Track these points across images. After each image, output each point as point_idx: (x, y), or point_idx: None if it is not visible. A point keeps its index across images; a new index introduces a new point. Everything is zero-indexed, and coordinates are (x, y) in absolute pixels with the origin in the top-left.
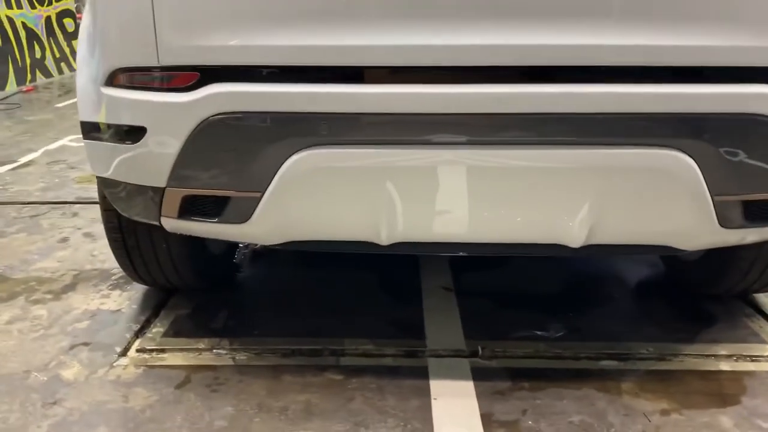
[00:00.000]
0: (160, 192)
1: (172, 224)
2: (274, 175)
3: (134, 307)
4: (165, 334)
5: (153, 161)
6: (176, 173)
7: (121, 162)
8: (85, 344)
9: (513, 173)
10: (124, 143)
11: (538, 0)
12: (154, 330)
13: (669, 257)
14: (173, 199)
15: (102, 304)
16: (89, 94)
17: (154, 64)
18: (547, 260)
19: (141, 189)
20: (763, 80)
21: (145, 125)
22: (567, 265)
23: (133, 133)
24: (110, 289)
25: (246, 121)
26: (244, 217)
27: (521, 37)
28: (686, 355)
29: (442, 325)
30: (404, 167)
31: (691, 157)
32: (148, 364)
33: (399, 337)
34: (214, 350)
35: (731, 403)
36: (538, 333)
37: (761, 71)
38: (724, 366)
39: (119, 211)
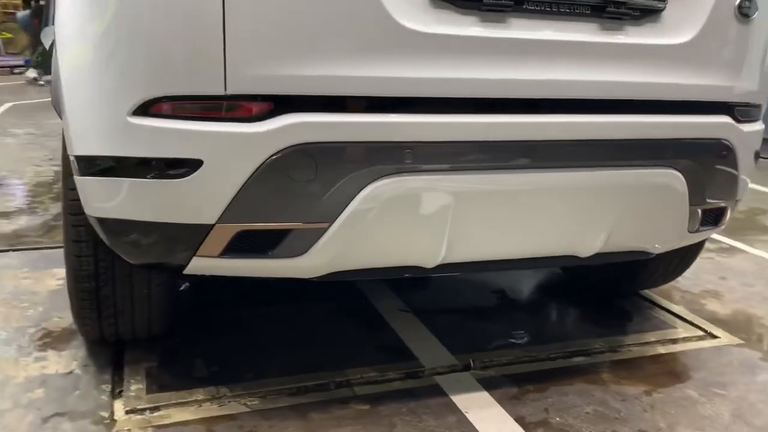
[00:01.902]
0: (205, 230)
1: (204, 264)
2: (346, 205)
3: (87, 366)
4: (149, 391)
5: (205, 197)
6: (234, 208)
7: (155, 200)
8: (60, 414)
9: (556, 193)
10: (164, 179)
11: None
12: (132, 388)
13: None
14: (222, 236)
15: (44, 368)
16: (100, 125)
17: (219, 93)
18: (471, 276)
19: (177, 228)
20: (725, 113)
21: (201, 158)
22: (489, 279)
23: (181, 168)
24: (41, 350)
25: (323, 151)
26: (301, 250)
27: (572, 73)
28: (629, 345)
29: (424, 345)
30: (474, 191)
31: (681, 174)
32: (154, 424)
33: (393, 361)
34: (217, 400)
35: (687, 379)
36: (510, 341)
37: (724, 105)
38: (661, 350)
39: (124, 256)
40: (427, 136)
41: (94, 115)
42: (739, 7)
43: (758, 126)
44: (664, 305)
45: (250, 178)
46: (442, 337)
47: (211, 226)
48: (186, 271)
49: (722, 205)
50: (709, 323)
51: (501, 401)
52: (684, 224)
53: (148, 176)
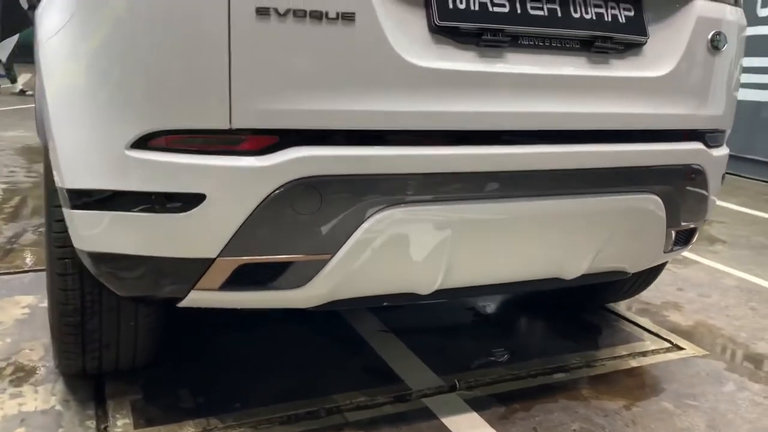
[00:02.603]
0: (206, 264)
1: (202, 297)
2: (349, 237)
3: (68, 402)
4: (137, 426)
5: (207, 231)
6: (237, 242)
7: (154, 234)
8: None
9: (549, 220)
10: (164, 213)
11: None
12: (119, 423)
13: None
14: (223, 269)
15: (21, 405)
16: (95, 158)
17: (224, 127)
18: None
19: (176, 262)
20: (697, 139)
21: (204, 192)
22: (461, 300)
23: (183, 202)
24: (15, 386)
25: (328, 184)
26: (302, 281)
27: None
28: (604, 359)
29: (408, 366)
30: (472, 220)
31: (660, 198)
32: None
33: (380, 384)
34: None
35: (660, 391)
36: (491, 359)
37: (696, 133)
38: (634, 363)
39: (117, 290)
40: (428, 168)
41: (88, 147)
42: (711, 40)
43: (725, 150)
44: (629, 318)
45: (254, 211)
46: (424, 358)
47: (212, 260)
48: (182, 305)
49: (693, 226)
50: (673, 335)
51: (491, 422)
52: (660, 245)
53: (147, 210)
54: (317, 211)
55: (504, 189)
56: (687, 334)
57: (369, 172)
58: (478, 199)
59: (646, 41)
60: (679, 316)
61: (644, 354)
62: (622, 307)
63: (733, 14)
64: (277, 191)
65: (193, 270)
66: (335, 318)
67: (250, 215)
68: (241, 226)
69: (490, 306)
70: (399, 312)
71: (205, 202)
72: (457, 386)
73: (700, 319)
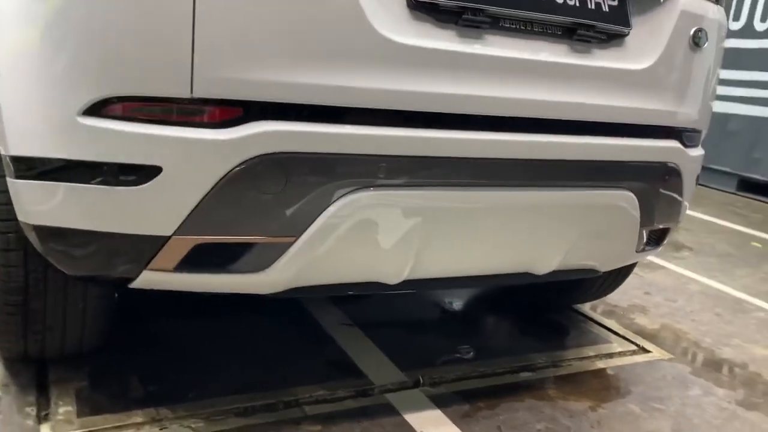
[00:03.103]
0: (160, 242)
1: (155, 279)
2: (315, 219)
3: (7, 386)
4: (80, 414)
5: (162, 206)
6: (194, 219)
7: (105, 208)
8: None
9: (522, 212)
10: (117, 186)
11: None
12: (61, 410)
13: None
14: (178, 249)
15: None
16: (45, 123)
17: (184, 95)
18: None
19: (128, 239)
20: (675, 138)
21: (161, 165)
22: (428, 293)
23: (138, 174)
24: None
25: (294, 162)
26: (263, 265)
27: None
28: (571, 359)
29: (373, 361)
30: (443, 208)
31: (635, 196)
32: None
33: (342, 378)
34: (158, 422)
35: (627, 393)
36: (457, 356)
37: (674, 131)
38: (600, 364)
39: (63, 267)
40: (400, 150)
41: (37, 111)
42: (693, 37)
43: (700, 151)
44: (597, 319)
45: (213, 188)
46: (389, 353)
47: (167, 238)
48: (133, 285)
49: (667, 226)
50: (640, 338)
51: (454, 419)
52: (633, 245)
53: (99, 182)
54: (281, 191)
55: (477, 177)
56: (653, 338)
57: (338, 151)
58: (450, 186)
59: (629, 32)
60: (646, 319)
61: (610, 356)
62: (588, 308)
63: (716, 13)
64: (239, 167)
65: (147, 248)
66: (298, 310)
67: (209, 192)
68: (198, 204)
69: (456, 302)
70: (364, 305)
71: (161, 176)
72: (421, 382)
73: (666, 323)
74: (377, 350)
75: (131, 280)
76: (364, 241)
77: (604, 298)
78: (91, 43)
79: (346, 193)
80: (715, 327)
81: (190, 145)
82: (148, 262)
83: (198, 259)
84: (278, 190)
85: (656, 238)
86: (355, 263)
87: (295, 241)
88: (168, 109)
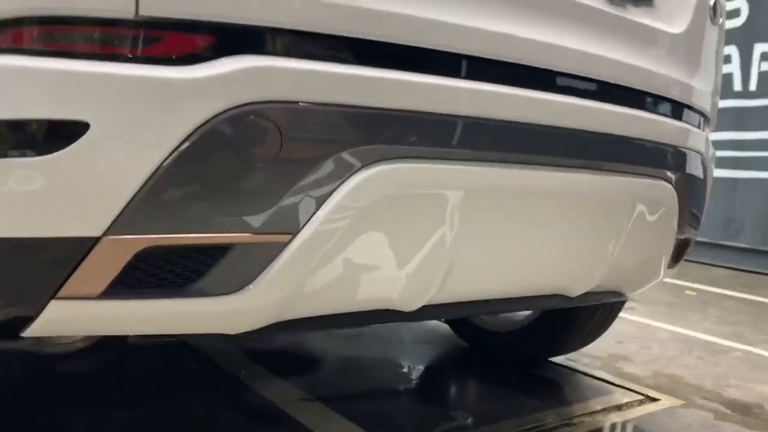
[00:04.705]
0: (82, 248)
1: (66, 316)
2: (321, 206)
3: None
4: None
5: (88, 189)
6: (139, 209)
7: None
8: None
9: (567, 202)
10: (13, 157)
11: None
12: None
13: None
14: (113, 257)
15: None
16: None
17: (126, 15)
18: (357, 352)
19: (28, 248)
20: (702, 125)
21: (87, 120)
22: (376, 354)
23: (49, 137)
24: None
25: (293, 117)
26: (243, 280)
27: None
28: (581, 415)
29: None
30: (488, 192)
31: (674, 190)
32: None
33: None
34: None
35: None
36: (458, 424)
37: (702, 115)
38: (615, 418)
39: None
40: (442, 107)
41: None
42: (713, 8)
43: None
44: (584, 371)
45: (170, 156)
46: (373, 428)
47: (94, 241)
48: (28, 334)
49: (691, 236)
50: (640, 386)
51: None
52: (667, 254)
53: None
54: (273, 161)
55: (522, 146)
56: (653, 385)
57: (359, 103)
58: (495, 161)
59: None
60: (634, 367)
61: (620, 408)
62: (567, 361)
63: None
64: (210, 123)
65: (60, 260)
66: (235, 386)
67: (164, 163)
68: (147, 182)
69: (418, 363)
70: (311, 375)
71: (86, 137)
72: None
73: (656, 369)
74: (356, 427)
75: (27, 322)
76: (386, 239)
77: (580, 350)
78: None
79: (367, 166)
80: (706, 370)
81: (133, 88)
82: (60, 286)
83: (143, 275)
84: (268, 159)
85: (678, 253)
86: (368, 278)
87: (290, 240)
88: (101, 36)
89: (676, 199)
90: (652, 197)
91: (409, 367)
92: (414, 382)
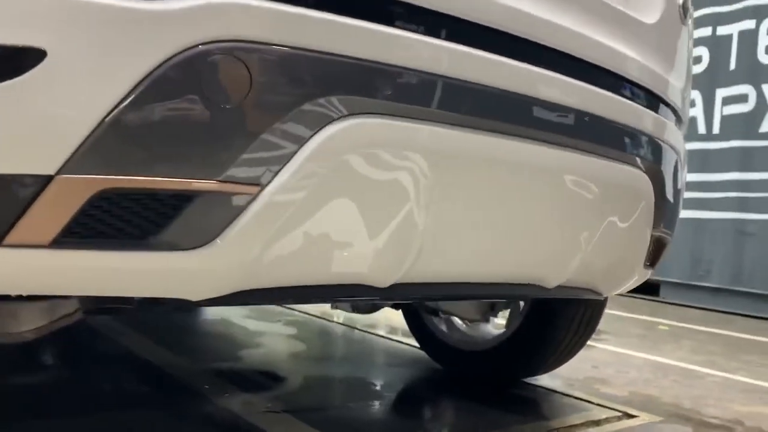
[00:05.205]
0: (33, 187)
1: (14, 267)
2: (292, 157)
3: None
4: None
5: (42, 121)
6: (97, 147)
7: None
8: None
9: (546, 178)
10: None
11: None
12: None
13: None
14: (67, 199)
15: None
16: None
17: None
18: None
19: None
20: (675, 120)
21: (44, 47)
22: (351, 370)
23: (3, 63)
24: None
25: (261, 59)
26: (207, 234)
27: None
28: (560, 428)
29: None
30: (468, 157)
31: (650, 180)
32: None
33: None
34: None
35: None
36: None
37: (674, 111)
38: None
39: None
40: (414, 62)
41: None
42: (682, 5)
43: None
44: (562, 391)
45: (133, 91)
46: None
47: (46, 180)
48: None
49: (667, 234)
50: (617, 404)
51: None
52: (643, 252)
53: None
54: (242, 104)
55: (494, 112)
56: (630, 403)
57: (332, 50)
58: (467, 126)
59: None
60: (610, 388)
61: (598, 423)
62: (544, 383)
63: None
64: (176, 58)
65: (8, 200)
66: (193, 398)
67: (127, 98)
68: (106, 117)
69: (391, 383)
70: (273, 388)
71: (43, 66)
72: None
73: (633, 390)
74: None
75: None
76: (360, 204)
77: (554, 375)
78: None
79: (340, 118)
80: (683, 391)
81: (98, 16)
82: (7, 231)
83: (99, 224)
84: (237, 101)
85: (654, 254)
86: (341, 246)
87: (259, 192)
88: None
89: (652, 191)
90: (627, 185)
91: (382, 385)
92: (388, 398)
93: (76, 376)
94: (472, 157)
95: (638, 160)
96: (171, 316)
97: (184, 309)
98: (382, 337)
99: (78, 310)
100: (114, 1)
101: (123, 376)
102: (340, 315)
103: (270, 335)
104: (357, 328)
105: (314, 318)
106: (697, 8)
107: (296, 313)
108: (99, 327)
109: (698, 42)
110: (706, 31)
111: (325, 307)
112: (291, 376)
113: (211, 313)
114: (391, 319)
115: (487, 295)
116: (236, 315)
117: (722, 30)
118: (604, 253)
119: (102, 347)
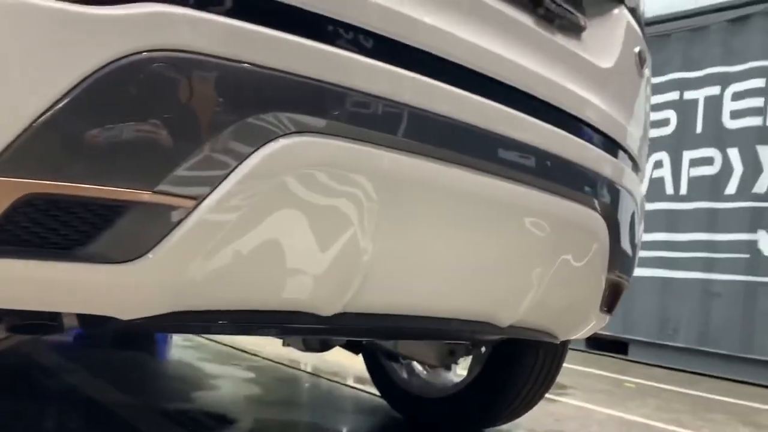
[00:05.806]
0: None
1: None
2: (234, 170)
3: None
4: None
5: None
6: (25, 148)
7: None
8: None
9: (500, 212)
10: None
11: None
12: None
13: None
14: None
15: None
16: None
17: None
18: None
19: None
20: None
21: None
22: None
23: None
24: None
25: (202, 70)
26: (138, 247)
27: None
28: None
29: None
30: (414, 183)
31: (605, 222)
32: None
33: None
34: None
35: None
36: None
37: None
38: None
39: None
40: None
41: None
42: (639, 54)
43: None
44: None
45: (68, 93)
46: None
47: None
48: None
49: (623, 279)
50: None
51: None
52: (598, 296)
53: None
54: (181, 114)
55: (459, 145)
56: None
57: (277, 66)
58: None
59: (585, 27)
60: None
61: None
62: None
63: (645, 46)
64: (114, 65)
65: None
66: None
67: (60, 101)
68: (39, 118)
69: (347, 430)
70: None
71: None
72: None
73: None
74: None
75: None
76: (302, 224)
77: (518, 424)
78: None
79: (283, 135)
80: None
81: (38, 17)
82: None
83: (24, 231)
84: (176, 110)
85: (611, 299)
86: (281, 268)
87: (195, 206)
88: None
89: (607, 233)
90: (581, 224)
91: (340, 430)
92: None
93: (16, 411)
94: (421, 185)
95: (594, 201)
96: (132, 357)
97: (121, 331)
98: (345, 385)
99: (8, 337)
100: (51, 2)
101: (65, 415)
102: (307, 364)
103: (228, 378)
104: (322, 377)
105: (280, 365)
106: (664, 73)
107: (258, 358)
108: (49, 364)
109: (666, 105)
110: (673, 95)
111: (293, 354)
112: (241, 419)
113: (172, 354)
114: (358, 368)
115: (439, 332)
116: (196, 358)
117: (689, 95)
118: (557, 293)
119: (48, 384)
